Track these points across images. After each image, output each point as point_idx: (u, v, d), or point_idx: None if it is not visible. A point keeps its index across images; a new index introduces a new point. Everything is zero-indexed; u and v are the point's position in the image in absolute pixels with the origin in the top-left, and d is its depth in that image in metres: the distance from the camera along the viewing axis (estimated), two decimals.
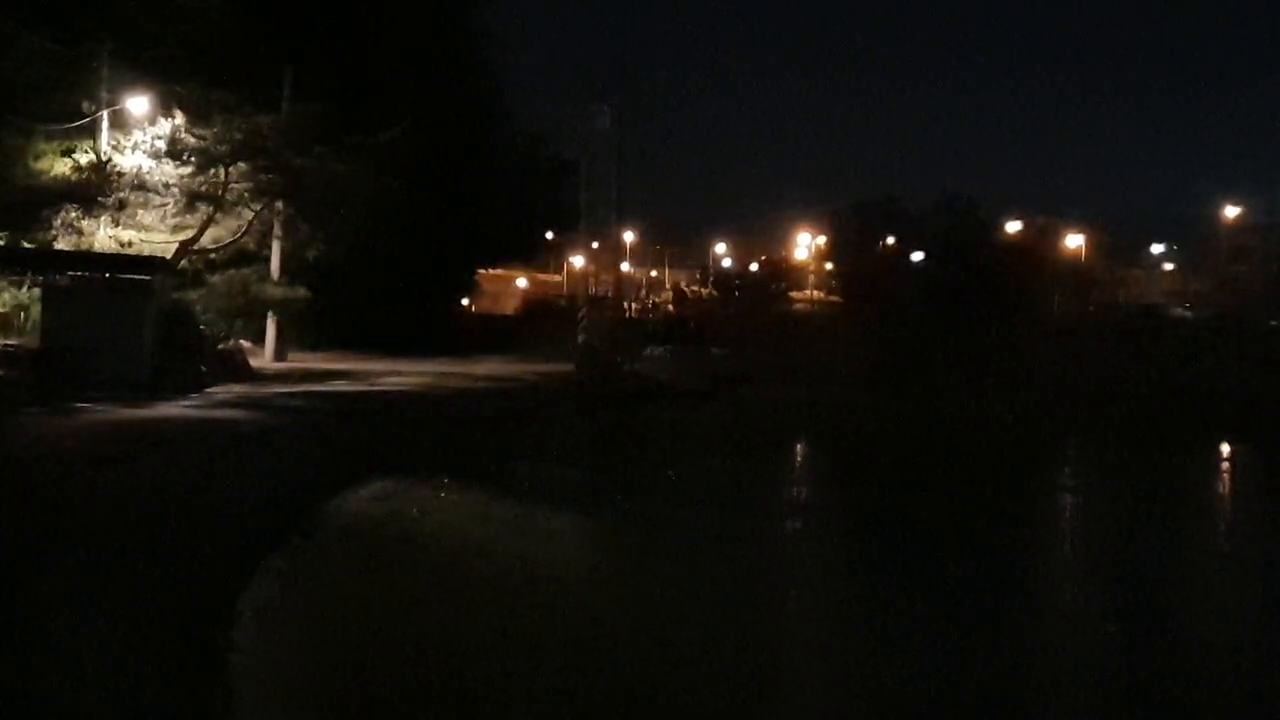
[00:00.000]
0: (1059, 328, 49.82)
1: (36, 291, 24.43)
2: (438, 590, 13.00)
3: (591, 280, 58.47)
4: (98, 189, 26.53)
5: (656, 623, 11.72)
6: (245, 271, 31.89)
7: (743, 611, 12.82)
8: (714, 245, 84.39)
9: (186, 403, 22.07)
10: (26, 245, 25.32)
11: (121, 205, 27.50)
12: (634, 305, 64.15)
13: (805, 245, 75.28)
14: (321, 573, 13.16)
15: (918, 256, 60.96)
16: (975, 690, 10.27)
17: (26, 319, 25.11)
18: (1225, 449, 29.43)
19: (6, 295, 25.68)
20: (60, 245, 26.27)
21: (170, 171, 28.26)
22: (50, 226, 26.17)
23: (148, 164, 27.95)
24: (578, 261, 65.47)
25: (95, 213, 27.02)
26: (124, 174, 27.29)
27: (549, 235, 64.48)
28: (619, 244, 64.00)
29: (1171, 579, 15.32)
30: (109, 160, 26.92)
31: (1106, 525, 20.59)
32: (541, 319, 54.14)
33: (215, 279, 31.08)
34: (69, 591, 9.78)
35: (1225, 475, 27.12)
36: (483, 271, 60.23)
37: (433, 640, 11.07)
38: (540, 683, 9.92)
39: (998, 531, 18.58)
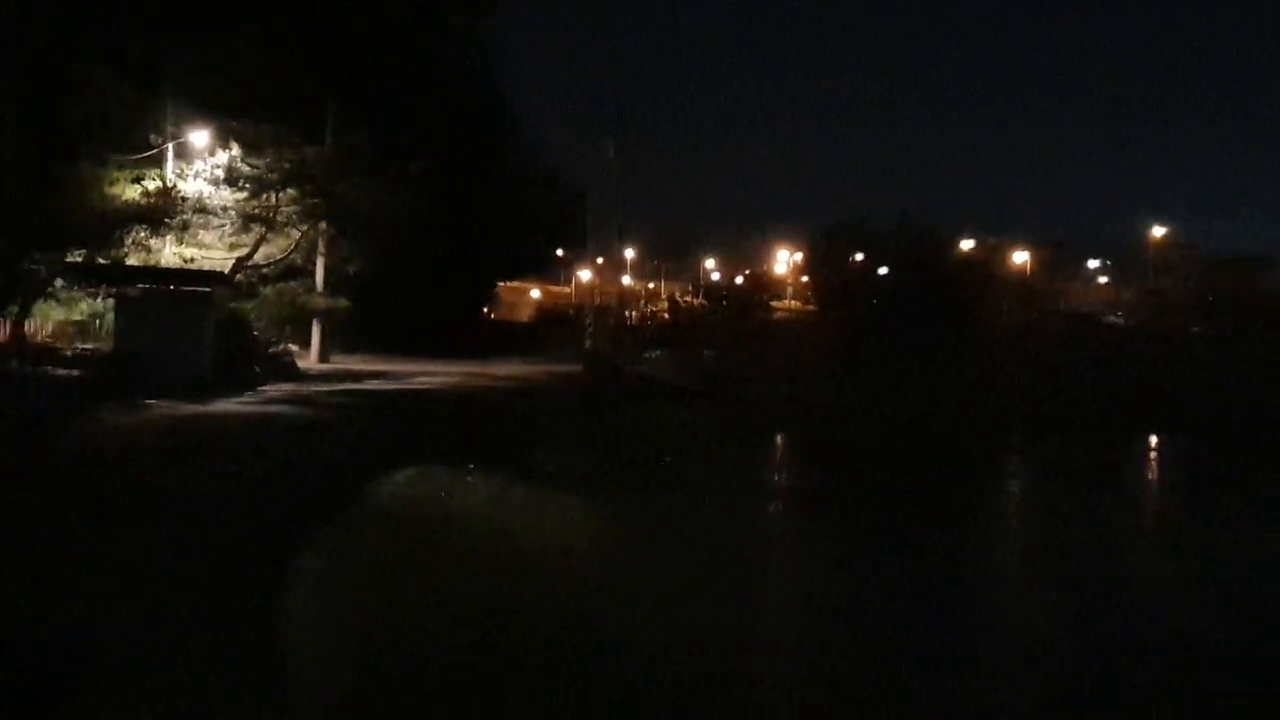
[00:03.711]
0: (1006, 333, 49.60)
1: (110, 301, 24.39)
2: (461, 560, 13.06)
3: (596, 291, 58.66)
4: (164, 212, 26.53)
5: (658, 591, 11.73)
6: (293, 284, 32.02)
7: (730, 571, 13.02)
8: (704, 260, 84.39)
9: (242, 400, 22.08)
10: (102, 261, 25.30)
11: (185, 226, 27.53)
12: (634, 314, 63.88)
13: (785, 261, 75.34)
14: (362, 545, 13.21)
15: (883, 270, 60.77)
16: (924, 619, 10.91)
17: (101, 326, 25.10)
18: (1151, 439, 29.51)
19: (84, 305, 25.67)
20: (131, 261, 26.25)
21: (227, 196, 28.24)
22: (122, 244, 26.18)
23: (208, 190, 27.92)
24: (584, 275, 65.67)
25: (162, 232, 27.04)
26: (187, 198, 27.28)
27: (559, 252, 64.41)
28: (621, 260, 64.04)
29: (1097, 544, 15.57)
30: (174, 186, 26.90)
31: (1044, 499, 20.91)
32: (553, 326, 54.17)
33: (267, 291, 31.13)
34: (149, 557, 9.84)
35: (1150, 460, 27.31)
36: (501, 284, 60.19)
37: (454, 598, 11.18)
38: (548, 633, 9.99)
39: (950, 505, 19.01)
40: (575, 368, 38.78)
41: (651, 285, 79.02)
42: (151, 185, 26.33)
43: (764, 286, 73.66)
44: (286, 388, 25.02)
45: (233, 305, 27.47)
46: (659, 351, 48.91)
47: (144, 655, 7.65)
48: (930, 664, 9.60)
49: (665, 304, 71.87)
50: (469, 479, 18.18)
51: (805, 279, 72.58)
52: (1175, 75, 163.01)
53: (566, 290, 73.12)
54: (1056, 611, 11.76)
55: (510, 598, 11.20)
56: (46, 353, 22.98)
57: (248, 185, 28.31)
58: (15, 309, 23.39)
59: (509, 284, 63.07)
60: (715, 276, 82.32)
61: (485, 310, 57.66)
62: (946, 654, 10.01)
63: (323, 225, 31.17)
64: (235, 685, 7.86)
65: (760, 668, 9.64)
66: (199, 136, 27.58)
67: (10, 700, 6.61)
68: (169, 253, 27.57)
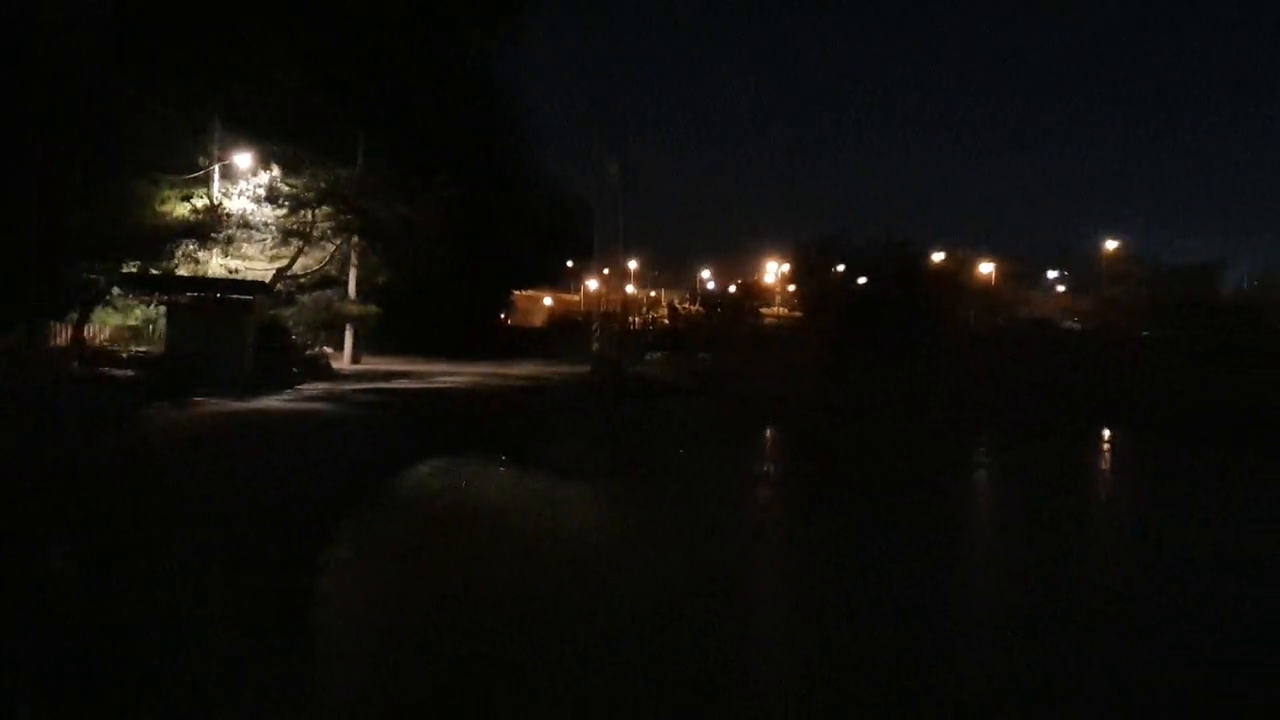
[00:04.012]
0: (973, 337, 49.61)
1: (162, 308, 24.20)
2: (480, 541, 13.08)
3: (603, 299, 58.29)
4: (211, 227, 26.25)
5: (660, 572, 11.69)
6: (328, 293, 31.73)
7: (721, 547, 13.28)
8: (700, 270, 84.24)
9: (281, 397, 21.91)
10: (154, 271, 25.10)
11: (229, 240, 27.23)
12: (636, 319, 63.63)
13: (773, 271, 75.08)
14: (390, 527, 13.28)
15: (862, 280, 60.59)
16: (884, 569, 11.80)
17: (154, 331, 24.89)
18: (1105, 432, 29.36)
19: (138, 311, 25.46)
20: (181, 271, 26.03)
21: (268, 213, 27.96)
22: (173, 257, 25.92)
23: (250, 207, 27.64)
24: (592, 284, 65.28)
25: (209, 246, 26.74)
26: (231, 215, 26.99)
27: (569, 263, 64.18)
28: (624, 270, 63.85)
29: (1050, 520, 16.10)
30: (220, 204, 26.64)
31: (1006, 482, 21.31)
32: (564, 331, 53.85)
33: (304, 299, 30.88)
34: (199, 537, 9.83)
35: (1102, 450, 27.24)
36: (517, 292, 59.93)
37: (473, 572, 11.30)
38: (562, 603, 10.10)
39: (921, 487, 19.42)
40: (583, 369, 38.51)
41: (653, 293, 78.67)
42: (200, 203, 26.09)
43: (754, 295, 73.62)
44: (321, 386, 24.85)
45: (273, 312, 27.28)
46: (659, 354, 48.70)
47: (218, 581, 8.21)
48: (887, 583, 11.26)
49: (665, 311, 71.83)
50: (484, 469, 18.09)
51: (792, 288, 72.59)
52: (1133, 98, 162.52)
53: (576, 298, 72.88)
54: (1001, 556, 13.76)
55: (526, 559, 11.48)
56: (104, 355, 22.77)
57: (286, 203, 28.06)
58: (75, 315, 23.16)
59: (524, 292, 62.82)
60: (710, 285, 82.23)
61: (502, 316, 57.43)
62: (902, 575, 11.69)
63: (354, 239, 30.95)
64: (284, 613, 8.48)
65: (756, 602, 11.10)
66: (243, 158, 27.35)
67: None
68: (215, 264, 27.32)
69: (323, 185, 28.22)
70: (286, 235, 28.43)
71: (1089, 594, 11.25)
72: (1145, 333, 48.91)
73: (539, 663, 8.34)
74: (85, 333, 23.74)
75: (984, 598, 11.37)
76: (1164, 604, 10.83)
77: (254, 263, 28.20)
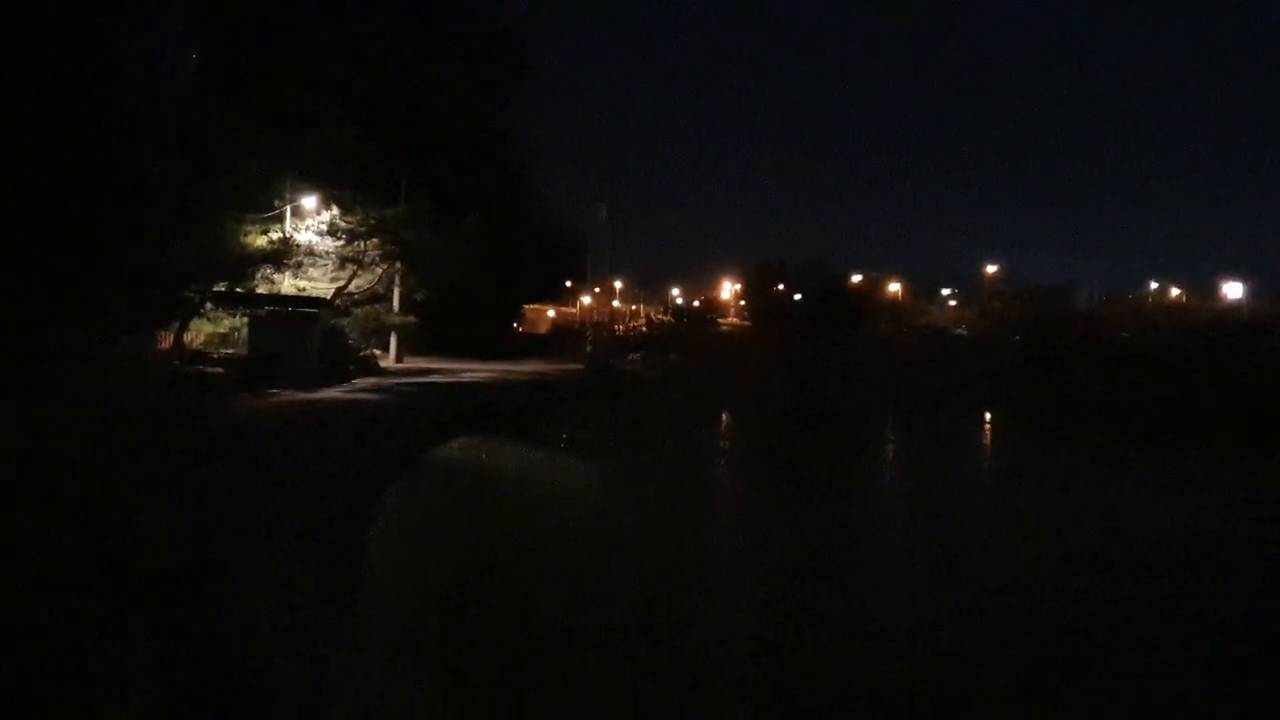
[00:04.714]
0: (883, 341, 50.14)
1: (245, 319, 24.30)
2: (498, 499, 13.42)
3: (594, 311, 58.65)
4: (283, 255, 26.37)
5: (639, 515, 12.27)
6: (376, 306, 31.79)
7: (683, 496, 13.79)
8: (671, 288, 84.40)
9: (339, 389, 22.13)
10: (238, 290, 25.25)
11: (299, 265, 27.35)
12: (621, 327, 63.97)
13: (727, 289, 75.55)
14: (427, 490, 13.55)
15: (797, 296, 61.27)
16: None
17: (238, 336, 24.97)
18: (992, 419, 30.02)
19: (227, 321, 25.50)
20: (260, 290, 26.14)
21: (329, 244, 28.11)
22: (253, 278, 26.00)
23: (315, 239, 27.79)
24: (585, 299, 65.50)
25: (282, 270, 26.84)
26: (300, 245, 27.13)
27: (568, 283, 64.35)
28: (611, 288, 64.15)
29: (942, 481, 16.97)
30: (290, 237, 26.75)
31: (907, 450, 21.95)
32: (563, 336, 54.09)
33: (357, 311, 30.90)
34: (275, 497, 10.06)
35: (994, 436, 27.82)
36: (526, 306, 60.08)
37: (492, 522, 11.58)
38: (564, 544, 10.51)
39: (841, 453, 20.36)
40: (579, 366, 38.90)
41: (634, 307, 78.83)
42: (275, 236, 26.20)
43: (713, 308, 73.97)
44: (371, 381, 25.05)
45: (333, 321, 27.32)
46: (639, 354, 49.04)
47: (297, 520, 8.37)
48: (807, 507, 13.00)
49: (643, 320, 72.14)
50: (501, 445, 18.34)
51: (742, 302, 73.10)
52: (1015, 147, 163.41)
53: (573, 310, 72.87)
54: (881, 479, 16.33)
55: (524, 519, 11.70)
56: (199, 356, 22.88)
57: (343, 236, 28.21)
58: (177, 325, 23.29)
59: (531, 306, 62.88)
60: (679, 300, 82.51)
61: (515, 325, 57.56)
62: (818, 500, 13.64)
63: (397, 264, 31.00)
64: (352, 546, 8.78)
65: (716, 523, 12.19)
66: (309, 201, 27.45)
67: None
68: (287, 284, 27.41)
69: (372, 222, 28.41)
70: (343, 261, 28.62)
71: (939, 497, 13.92)
72: (1016, 338, 49.67)
73: (555, 557, 9.50)
74: (185, 339, 23.86)
75: (867, 494, 14.09)
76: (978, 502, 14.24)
77: (318, 283, 28.36)
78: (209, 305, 24.37)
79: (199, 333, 25.11)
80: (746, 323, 66.68)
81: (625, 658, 6.76)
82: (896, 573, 9.92)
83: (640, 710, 5.95)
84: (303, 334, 23.19)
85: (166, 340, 23.12)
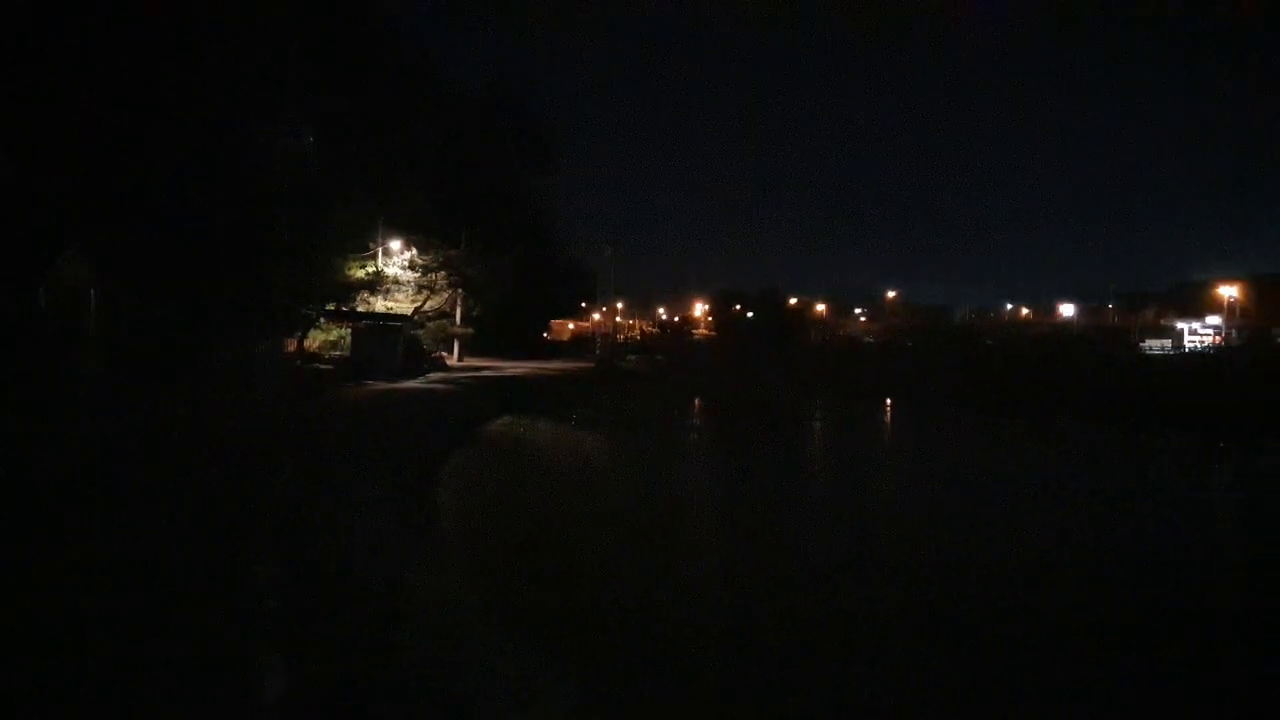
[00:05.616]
0: (814, 347, 50.63)
1: (348, 330, 24.44)
2: (532, 460, 13.91)
3: (601, 324, 58.91)
4: (376, 283, 26.57)
5: (643, 470, 13.02)
6: (444, 321, 31.85)
7: (666, 458, 14.39)
8: (658, 308, 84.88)
9: (416, 382, 22.20)
10: (343, 309, 25.42)
11: (387, 291, 27.49)
12: (622, 336, 64.20)
13: (699, 308, 76.02)
14: (479, 454, 13.81)
15: (750, 314, 61.75)
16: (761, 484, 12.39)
17: (344, 343, 25.04)
18: (887, 400, 30.47)
19: (335, 332, 25.45)
20: (359, 309, 26.30)
21: (409, 275, 28.26)
22: (354, 300, 26.16)
23: (399, 271, 27.93)
24: (596, 316, 65.68)
25: (375, 294, 27.00)
26: (388, 276, 27.31)
27: (583, 304, 64.59)
28: (614, 307, 64.31)
29: (847, 438, 18.57)
30: (381, 270, 26.97)
31: (833, 427, 22.28)
32: (579, 342, 54.31)
33: (430, 324, 30.90)
34: (365, 460, 10.28)
35: (885, 409, 28.25)
36: (553, 320, 60.15)
37: (531, 479, 12.10)
38: (582, 488, 11.20)
39: (778, 422, 21.30)
40: (590, 364, 39.22)
41: (630, 321, 79.08)
42: (370, 269, 26.41)
43: (689, 321, 74.41)
44: (439, 375, 25.18)
45: (411, 332, 27.32)
46: (634, 356, 49.45)
47: (384, 472, 8.75)
48: (749, 454, 14.52)
49: (637, 331, 72.45)
50: (534, 422, 18.71)
51: (710, 319, 73.64)
52: (910, 191, 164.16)
53: (587, 324, 72.85)
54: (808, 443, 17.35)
55: (554, 475, 12.34)
56: (314, 357, 23.02)
57: (420, 269, 28.41)
58: (299, 334, 23.51)
59: (557, 320, 62.89)
60: (664, 316, 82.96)
61: (544, 334, 57.62)
62: (758, 449, 15.24)
63: (459, 290, 31.30)
64: (423, 500, 9.05)
65: (684, 459, 13.99)
66: (394, 243, 27.70)
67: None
68: (379, 304, 27.54)
69: (441, 259, 28.67)
70: (420, 288, 28.81)
71: (843, 445, 15.64)
72: (909, 344, 50.21)
73: (583, 497, 10.43)
74: (304, 344, 24.09)
75: (791, 446, 15.53)
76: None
77: (401, 303, 28.55)
78: (322, 320, 24.54)
79: (315, 340, 25.28)
80: (713, 333, 67.13)
81: (626, 536, 8.18)
82: (808, 483, 12.22)
83: (638, 561, 7.26)
84: (390, 341, 23.39)
85: (292, 345, 23.30)
